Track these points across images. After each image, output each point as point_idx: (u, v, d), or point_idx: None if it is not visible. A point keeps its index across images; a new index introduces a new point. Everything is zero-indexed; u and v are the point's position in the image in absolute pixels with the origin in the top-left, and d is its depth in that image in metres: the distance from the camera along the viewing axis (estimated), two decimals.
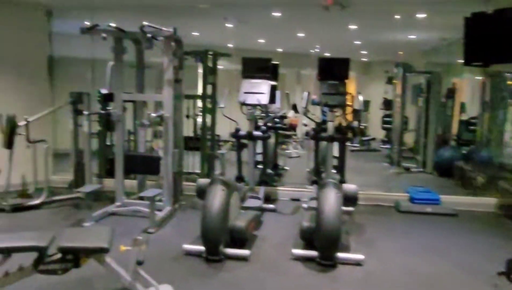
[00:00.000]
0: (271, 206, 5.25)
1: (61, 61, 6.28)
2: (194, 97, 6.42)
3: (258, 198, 5.04)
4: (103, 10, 5.99)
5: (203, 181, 4.15)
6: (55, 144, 6.27)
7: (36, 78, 6.00)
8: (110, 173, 5.47)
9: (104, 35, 4.50)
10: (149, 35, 4.38)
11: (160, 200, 4.97)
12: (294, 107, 5.70)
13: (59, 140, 6.34)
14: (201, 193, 4.01)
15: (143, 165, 4.91)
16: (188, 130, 6.54)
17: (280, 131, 6.99)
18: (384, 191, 5.86)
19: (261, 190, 5.29)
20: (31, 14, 5.87)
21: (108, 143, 5.96)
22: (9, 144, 4.90)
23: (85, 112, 4.98)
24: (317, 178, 5.23)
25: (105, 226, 3.36)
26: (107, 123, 5.49)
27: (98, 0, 5.69)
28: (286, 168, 7.39)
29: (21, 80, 5.88)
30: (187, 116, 6.58)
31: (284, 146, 8.74)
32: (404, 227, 4.79)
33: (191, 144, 6.60)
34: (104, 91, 5.51)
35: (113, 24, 4.60)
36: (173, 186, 5.02)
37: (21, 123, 4.98)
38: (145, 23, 4.34)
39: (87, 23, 4.74)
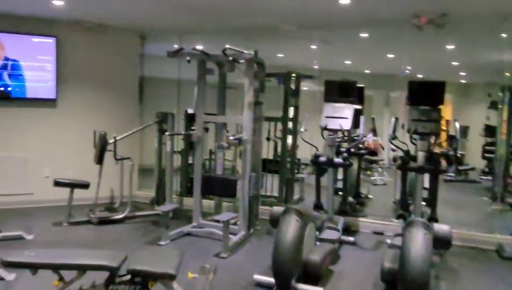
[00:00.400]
0: (350, 238, 4.88)
1: (150, 82, 6.63)
2: (275, 119, 6.32)
3: (337, 230, 4.71)
4: (191, 33, 6.20)
5: (277, 209, 3.96)
6: (142, 160, 6.58)
7: (127, 97, 6.38)
8: (190, 192, 5.53)
9: (188, 58, 4.61)
10: (230, 58, 4.38)
11: (235, 224, 4.89)
12: (374, 130, 5.32)
13: (146, 156, 6.63)
14: (275, 221, 3.82)
15: (219, 187, 4.89)
16: (268, 153, 6.45)
17: (366, 156, 6.60)
18: (483, 232, 5.12)
19: (340, 221, 4.95)
20: (126, 37, 6.28)
21: (190, 162, 6.08)
22: (99, 160, 5.20)
23: (166, 132, 5.10)
24: (403, 211, 4.75)
25: (176, 250, 3.31)
26: (191, 143, 5.61)
27: (186, 24, 5.88)
28: (369, 196, 6.92)
29: (114, 99, 6.29)
30: (268, 139, 6.50)
31: (368, 172, 8.25)
32: (508, 278, 4.11)
33: (270, 167, 6.49)
34: (190, 111, 5.65)
35: (199, 47, 4.70)
36: (249, 210, 4.91)
37: (111, 140, 5.27)
38: (227, 46, 4.35)
39: (175, 46, 4.91)
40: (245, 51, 4.46)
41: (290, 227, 3.47)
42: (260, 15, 5.20)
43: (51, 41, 5.70)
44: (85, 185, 5.23)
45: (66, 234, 4.81)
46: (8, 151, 5.69)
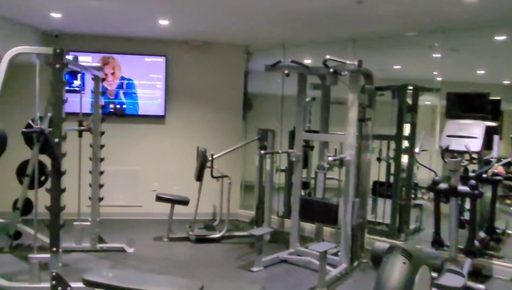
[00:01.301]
0: (480, 286, 3.95)
1: (257, 98, 6.47)
2: (388, 137, 5.61)
3: (461, 274, 3.84)
4: (296, 46, 5.89)
5: (380, 245, 3.34)
6: (246, 178, 6.42)
7: (232, 114, 6.30)
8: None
9: (286, 71, 4.29)
10: (331, 70, 3.93)
11: (336, 254, 4.35)
12: None
13: (249, 174, 6.46)
14: (377, 260, 3.20)
15: (318, 212, 4.42)
16: (379, 174, 5.75)
17: (505, 182, 5.44)
18: None
19: (467, 263, 4.05)
20: (231, 54, 6.25)
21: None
22: (199, 177, 5.15)
23: (262, 151, 4.82)
24: None
25: (257, 286, 2.95)
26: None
27: (291, 36, 5.59)
28: (509, 232, 5.68)
29: (218, 116, 6.27)
30: (379, 159, 5.80)
31: (508, 201, 6.87)
32: None
33: (382, 190, 5.78)
34: None
35: (307, 61, 4.36)
36: (352, 240, 4.33)
37: (215, 156, 5.19)
38: (327, 56, 3.91)
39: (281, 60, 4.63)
40: (348, 62, 3.96)
41: (395, 271, 2.83)
42: (372, 22, 4.65)
43: (161, 60, 5.94)
44: (185, 202, 5.23)
45: (164, 250, 4.81)
46: (122, 164, 6.03)
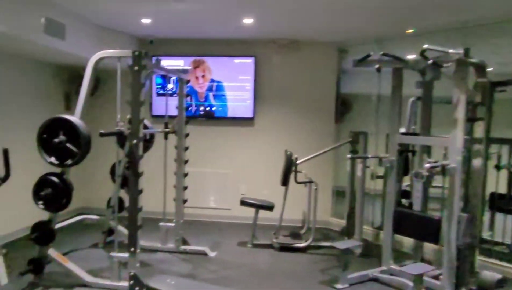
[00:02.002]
0: None
1: (351, 99, 5.97)
2: (509, 141, 4.68)
3: None
4: (395, 40, 5.26)
5: (488, 275, 2.69)
6: (338, 183, 5.96)
7: (323, 116, 5.91)
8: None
9: (377, 65, 3.79)
10: (430, 61, 3.35)
11: (437, 277, 3.72)
12: None
13: (343, 179, 6.00)
14: None
15: (416, 227, 3.82)
16: (498, 185, 4.84)
17: None
18: None
19: None
20: (322, 52, 5.86)
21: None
22: (284, 181, 4.88)
23: (347, 155, 4.35)
24: None
25: None
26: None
27: (386, 30, 5.01)
28: None
29: (308, 118, 5.93)
30: (498, 167, 4.89)
31: None
32: None
33: (501, 204, 4.85)
34: (402, 130, 4.74)
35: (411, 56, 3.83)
36: (459, 263, 3.64)
37: (300, 161, 4.89)
38: (425, 46, 3.34)
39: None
40: (451, 51, 3.33)
41: None
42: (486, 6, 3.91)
43: (250, 61, 5.82)
44: (269, 207, 5.01)
45: (246, 257, 4.64)
46: (212, 167, 6.05)
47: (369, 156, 4.29)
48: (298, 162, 4.79)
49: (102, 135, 3.29)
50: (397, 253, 4.42)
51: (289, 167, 4.86)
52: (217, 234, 5.42)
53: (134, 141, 3.46)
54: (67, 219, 4.84)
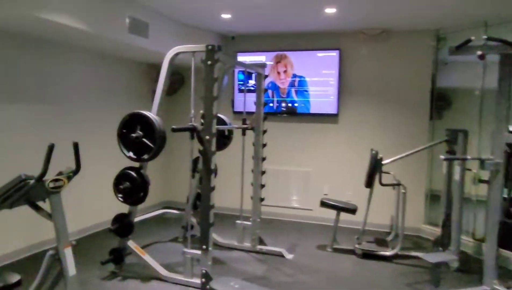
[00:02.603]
0: None
1: (451, 93, 5.31)
2: None
3: None
4: (506, 23, 4.53)
5: None
6: (434, 186, 5.36)
7: (415, 113, 5.35)
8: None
9: (479, 52, 3.25)
10: None
11: None
12: None
13: (438, 182, 5.39)
14: None
15: None
16: None
17: None
18: None
19: None
20: (416, 42, 5.28)
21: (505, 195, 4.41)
22: (369, 183, 4.50)
23: (442, 156, 3.81)
24: None
25: None
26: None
27: (496, 11, 4.32)
28: None
29: (399, 115, 5.41)
30: None
31: None
32: None
33: None
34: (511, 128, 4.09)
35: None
36: None
37: (386, 161, 4.47)
38: None
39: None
40: None
41: None
42: None
43: (334, 54, 5.49)
44: (351, 210, 4.66)
45: (325, 262, 4.36)
46: (293, 165, 5.85)
47: (469, 157, 3.73)
48: (383, 162, 4.37)
49: (174, 130, 3.28)
50: (502, 270, 3.80)
51: (374, 167, 4.45)
52: (296, 235, 5.21)
53: (207, 137, 3.41)
54: (150, 212, 5.02)
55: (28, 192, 2.24)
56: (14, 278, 2.35)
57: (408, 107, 5.38)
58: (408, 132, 5.35)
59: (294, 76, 5.69)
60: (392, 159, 4.45)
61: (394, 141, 5.34)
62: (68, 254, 2.37)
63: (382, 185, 4.32)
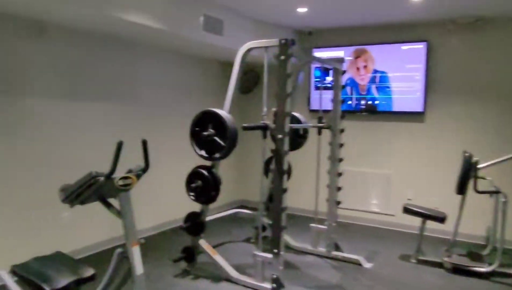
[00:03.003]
0: None
1: None
2: None
3: None
4: None
5: None
6: None
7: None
8: None
9: None
10: None
11: None
12: None
13: None
14: None
15: None
16: None
17: None
18: None
19: None
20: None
21: None
22: (460, 189, 4.01)
23: None
24: None
25: None
26: None
27: None
28: None
29: (496, 112, 4.79)
30: None
31: None
32: None
33: None
34: None
35: None
36: None
37: (482, 165, 3.96)
38: None
39: None
40: None
41: None
42: None
43: (421, 46, 5.01)
44: (439, 218, 4.19)
45: (408, 274, 3.97)
46: (373, 167, 5.48)
47: None
48: (479, 166, 3.86)
49: (245, 128, 3.17)
50: None
51: (467, 172, 3.96)
52: (375, 242, 4.84)
53: (279, 136, 3.25)
54: (224, 211, 4.99)
55: (99, 189, 2.26)
56: (89, 272, 2.39)
57: (507, 105, 4.73)
58: (508, 133, 4.71)
59: (375, 71, 5.31)
60: (489, 163, 3.93)
61: (491, 143, 4.74)
62: (136, 253, 2.36)
63: (478, 192, 3.81)
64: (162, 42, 4.43)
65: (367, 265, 4.11)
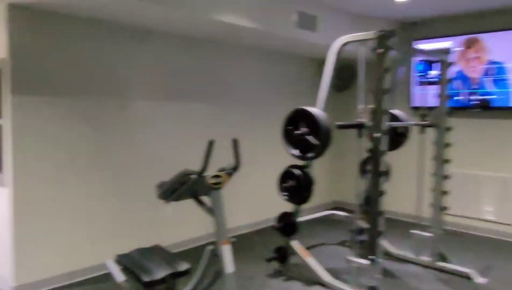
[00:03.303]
0: None
1: None
2: None
3: None
4: None
5: None
6: None
7: None
8: None
9: None
10: None
11: None
12: None
13: None
14: None
15: None
16: None
17: None
18: None
19: None
20: None
21: None
22: None
23: None
24: None
25: None
26: None
27: None
28: None
29: None
30: None
31: None
32: None
33: None
34: None
35: None
36: None
37: None
38: None
39: None
40: None
41: None
42: None
43: None
44: None
45: None
46: (486, 169, 4.89)
47: None
48: None
49: (339, 127, 3.02)
50: None
51: None
52: (490, 255, 4.30)
53: (377, 134, 3.04)
54: (318, 212, 4.86)
55: (192, 187, 2.32)
56: (184, 266, 2.47)
57: None
58: None
59: (489, 62, 4.72)
60: None
61: None
62: (226, 251, 2.37)
63: None
64: (254, 41, 4.46)
65: (479, 280, 3.66)
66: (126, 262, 2.53)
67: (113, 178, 3.76)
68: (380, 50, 2.99)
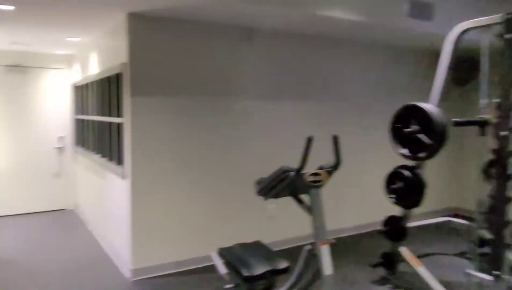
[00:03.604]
0: None
1: None
2: None
3: None
4: None
5: None
6: None
7: None
8: None
9: None
10: None
11: None
12: None
13: None
14: None
15: None
16: None
17: None
18: None
19: None
20: None
21: None
22: None
23: None
24: None
25: None
26: None
27: None
28: None
29: None
30: None
31: None
32: None
33: None
34: None
35: None
36: None
37: None
38: None
39: None
40: None
41: None
42: None
43: None
44: None
45: None
46: None
47: None
48: None
49: (457, 124, 2.70)
50: None
51: None
52: None
53: (503, 133, 2.65)
54: (431, 218, 4.46)
55: (290, 184, 2.27)
56: (284, 264, 2.44)
57: None
58: None
59: None
60: None
61: None
62: (324, 252, 2.27)
63: None
64: (362, 36, 4.25)
65: None
66: (228, 255, 2.59)
67: (220, 176, 3.91)
68: (509, 36, 2.60)
